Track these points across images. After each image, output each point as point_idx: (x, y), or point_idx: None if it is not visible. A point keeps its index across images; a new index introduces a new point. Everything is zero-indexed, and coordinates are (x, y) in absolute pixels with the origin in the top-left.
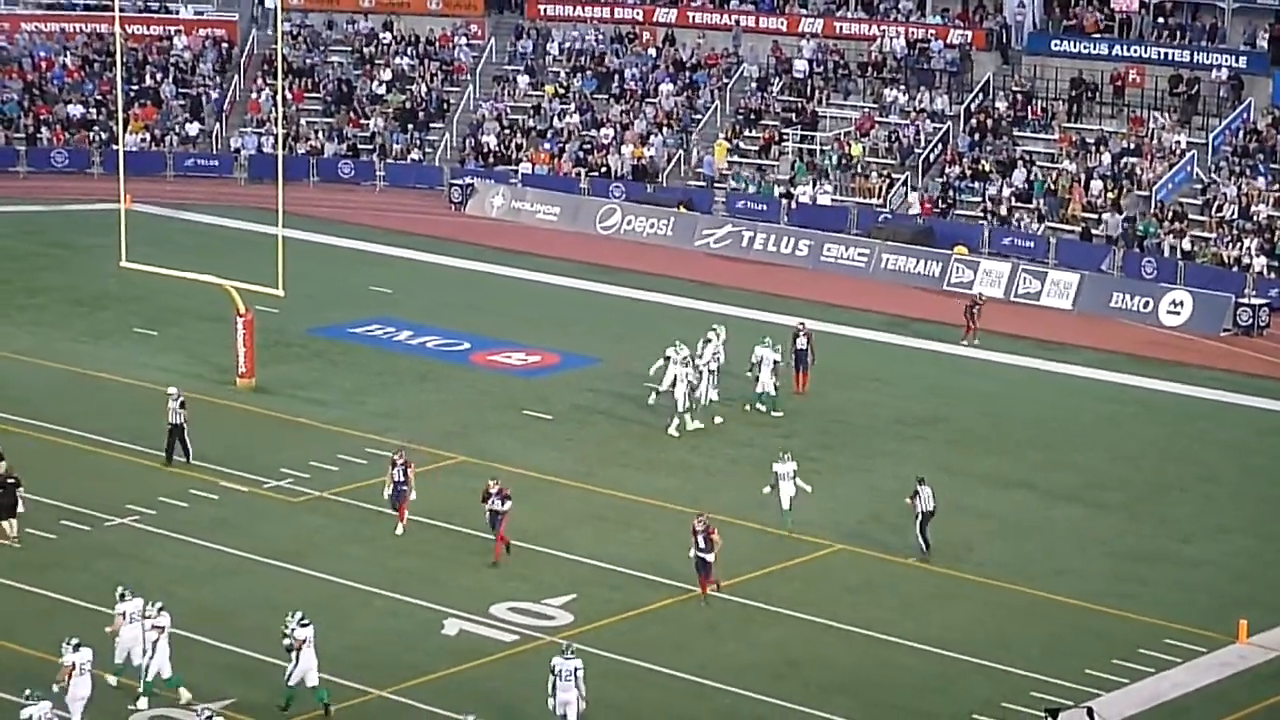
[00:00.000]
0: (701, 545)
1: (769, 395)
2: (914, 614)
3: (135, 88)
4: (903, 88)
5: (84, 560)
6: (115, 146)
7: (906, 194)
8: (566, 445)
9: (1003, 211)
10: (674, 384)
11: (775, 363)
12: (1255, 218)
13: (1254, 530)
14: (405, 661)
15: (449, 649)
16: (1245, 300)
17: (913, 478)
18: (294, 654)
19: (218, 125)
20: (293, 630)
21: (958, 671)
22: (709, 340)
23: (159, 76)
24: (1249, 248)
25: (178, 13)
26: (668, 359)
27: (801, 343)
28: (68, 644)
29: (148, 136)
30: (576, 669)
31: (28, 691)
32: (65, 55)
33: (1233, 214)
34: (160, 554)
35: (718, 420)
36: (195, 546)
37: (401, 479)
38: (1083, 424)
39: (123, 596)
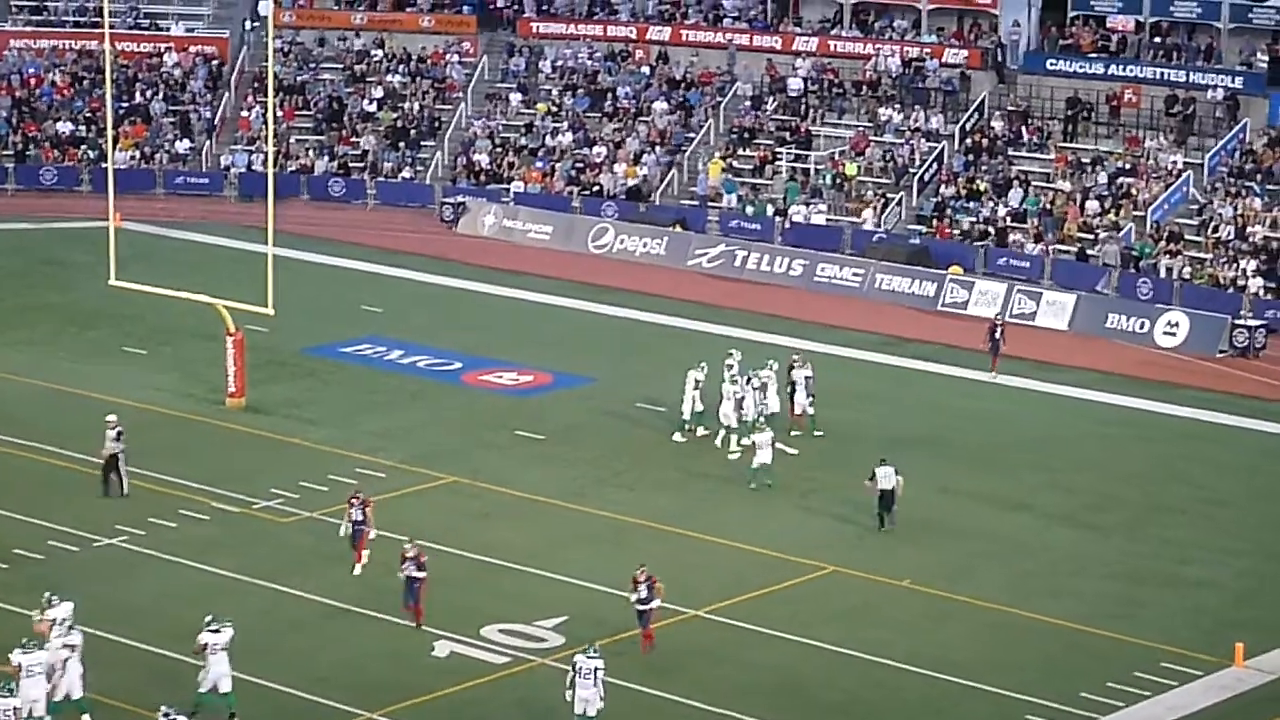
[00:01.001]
0: (643, 595)
1: (810, 417)
2: (910, 636)
3: (125, 105)
4: (898, 107)
5: (72, 581)
6: (105, 164)
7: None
8: (559, 465)
9: (995, 230)
10: (721, 403)
11: (807, 379)
12: (1251, 238)
13: (1252, 553)
14: (396, 682)
15: (439, 670)
16: (1242, 321)
17: (908, 498)
18: (206, 658)
19: (208, 143)
20: (202, 633)
21: (954, 694)
22: (730, 366)
23: (149, 94)
24: (1245, 269)
25: (168, 30)
26: (698, 383)
27: (797, 374)
28: (21, 647)
29: (137, 154)
30: (598, 668)
31: None
32: (55, 72)
33: (1229, 235)
34: (149, 574)
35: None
36: (184, 567)
37: (360, 518)
38: (1080, 445)
39: (50, 603)
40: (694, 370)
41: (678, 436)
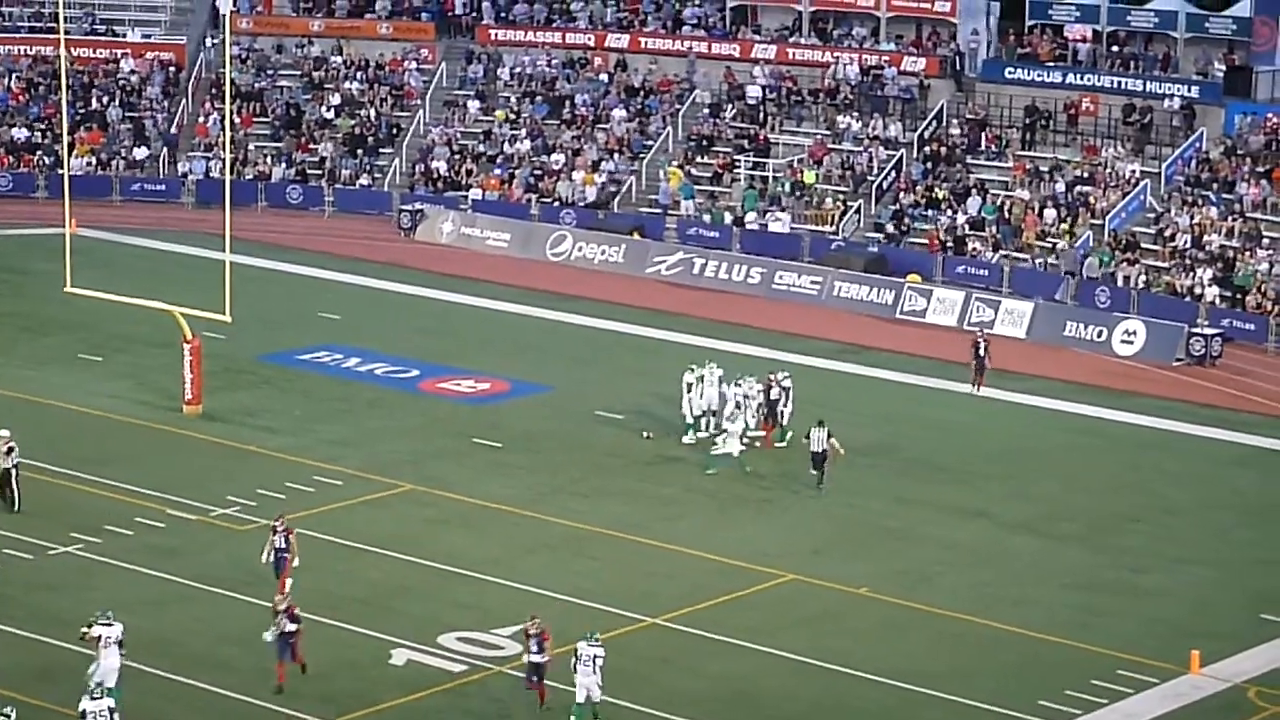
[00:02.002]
0: (534, 649)
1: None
2: (869, 644)
3: (81, 111)
4: (856, 115)
5: (26, 589)
6: (60, 170)
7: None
8: (516, 473)
9: (949, 238)
10: (711, 408)
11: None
12: (1208, 247)
13: (1209, 561)
14: (353, 691)
15: (397, 679)
16: (1198, 330)
17: (866, 507)
18: (98, 651)
19: (165, 149)
20: (91, 626)
21: (914, 703)
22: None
23: (105, 100)
24: (1201, 278)
25: (124, 36)
26: (689, 386)
27: (775, 393)
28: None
29: (94, 160)
30: (596, 656)
31: None
32: (9, 78)
33: (1185, 244)
34: (105, 582)
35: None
36: (141, 575)
37: (283, 545)
38: (1038, 453)
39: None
40: (686, 373)
41: (688, 439)
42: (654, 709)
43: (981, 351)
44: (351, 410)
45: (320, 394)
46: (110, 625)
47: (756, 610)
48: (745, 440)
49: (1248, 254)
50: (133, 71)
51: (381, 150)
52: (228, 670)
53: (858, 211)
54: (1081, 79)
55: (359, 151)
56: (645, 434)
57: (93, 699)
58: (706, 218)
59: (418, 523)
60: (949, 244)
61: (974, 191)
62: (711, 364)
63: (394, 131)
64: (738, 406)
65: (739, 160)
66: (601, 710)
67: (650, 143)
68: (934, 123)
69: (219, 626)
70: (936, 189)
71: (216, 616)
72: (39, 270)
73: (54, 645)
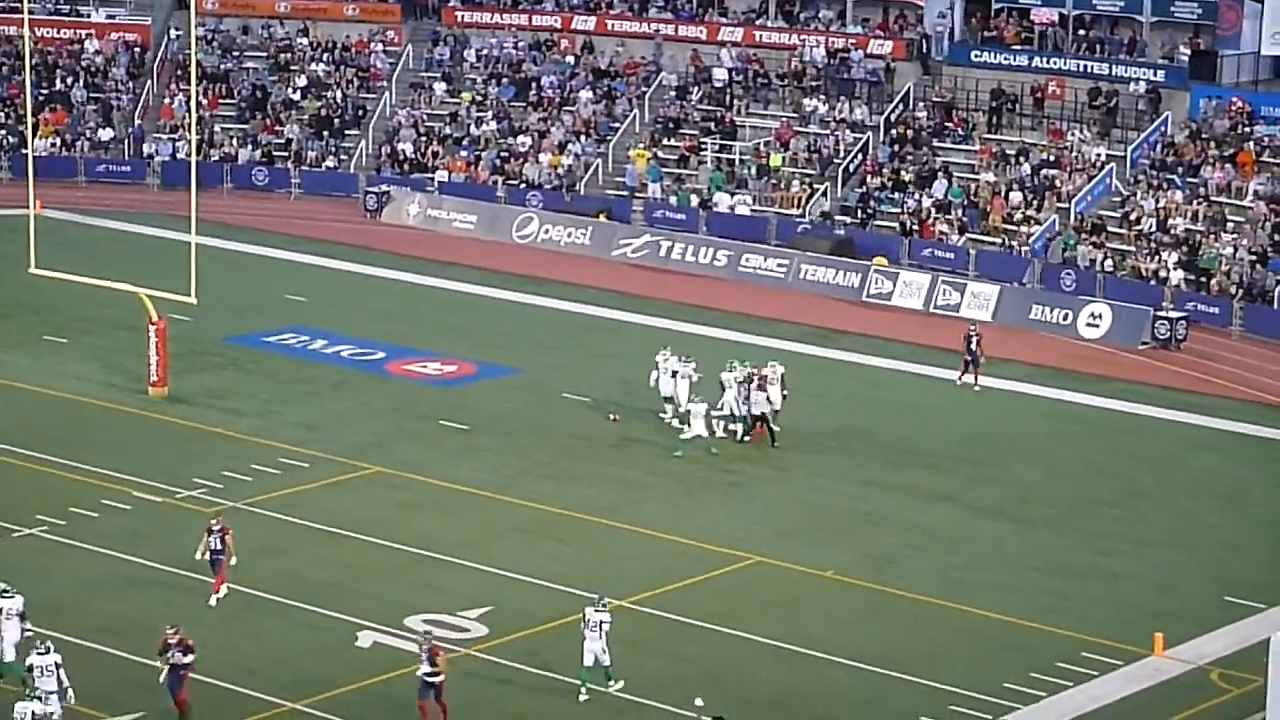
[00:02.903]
0: (427, 669)
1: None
2: (836, 627)
3: (45, 92)
4: (823, 97)
5: None
6: (24, 151)
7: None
8: (484, 456)
9: (915, 221)
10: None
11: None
12: (1173, 231)
13: (1175, 544)
14: (320, 674)
15: (363, 661)
16: (1163, 313)
17: (833, 490)
18: None
19: (130, 131)
20: None
21: (880, 685)
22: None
23: (70, 80)
24: (1166, 261)
25: (89, 16)
26: (671, 373)
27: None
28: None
29: (58, 141)
30: (603, 622)
31: None
32: None
33: (1151, 227)
34: (71, 565)
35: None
36: (107, 557)
37: (218, 546)
38: (1005, 437)
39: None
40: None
41: (681, 430)
42: (622, 692)
43: (974, 345)
44: (318, 392)
45: (286, 376)
46: (11, 598)
47: (724, 593)
48: (712, 421)
49: (1211, 237)
50: (97, 52)
51: (348, 132)
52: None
53: (824, 194)
54: (1047, 62)
55: (325, 133)
56: (611, 416)
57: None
58: (673, 200)
59: (385, 505)
60: (914, 227)
61: (940, 175)
62: (667, 351)
63: (360, 113)
64: (722, 390)
65: (705, 143)
66: (613, 670)
67: (617, 125)
68: (900, 106)
69: (184, 609)
70: (903, 172)
71: (182, 599)
72: (3, 252)
73: None
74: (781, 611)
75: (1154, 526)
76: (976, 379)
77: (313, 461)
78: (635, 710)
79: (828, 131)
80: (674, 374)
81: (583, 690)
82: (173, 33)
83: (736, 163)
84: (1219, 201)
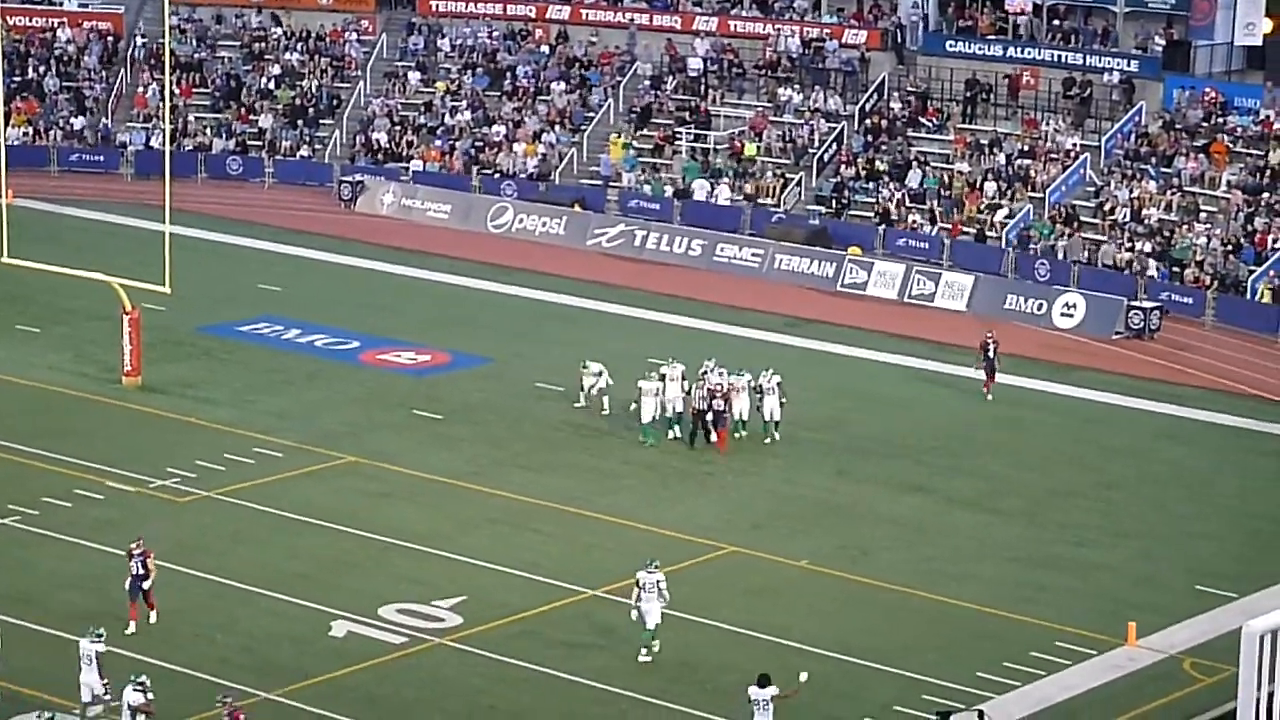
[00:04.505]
0: (139, 570)
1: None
2: (810, 617)
3: (17, 80)
4: (797, 87)
5: None
6: None
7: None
8: (457, 445)
9: (897, 213)
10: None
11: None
12: (1146, 221)
13: (1148, 534)
14: (293, 664)
15: (337, 651)
16: (1137, 303)
17: (808, 481)
18: None
19: (103, 120)
20: None
21: (854, 675)
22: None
23: (41, 69)
24: (1140, 251)
25: (61, 4)
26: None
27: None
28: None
29: (30, 130)
30: (659, 581)
31: None
32: None
33: (1124, 217)
34: (43, 555)
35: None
36: (79, 547)
37: (140, 571)
38: (979, 427)
39: None
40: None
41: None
42: (595, 681)
43: (991, 353)
44: (291, 382)
45: (260, 365)
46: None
47: (697, 583)
48: (660, 407)
49: (1185, 228)
50: (70, 41)
51: (322, 121)
52: (168, 642)
53: (799, 184)
54: (1022, 52)
55: (299, 123)
56: (577, 405)
57: None
58: (647, 189)
59: (358, 495)
60: (894, 218)
61: (914, 165)
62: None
63: (334, 103)
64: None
65: (680, 133)
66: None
67: (591, 115)
68: (875, 96)
69: (158, 599)
70: (877, 162)
71: (156, 589)
72: None
73: None
74: (754, 601)
75: (1126, 517)
76: (988, 387)
77: (286, 451)
78: (609, 700)
79: (802, 121)
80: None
81: (644, 652)
82: (144, 23)
83: (711, 152)
84: (1192, 192)
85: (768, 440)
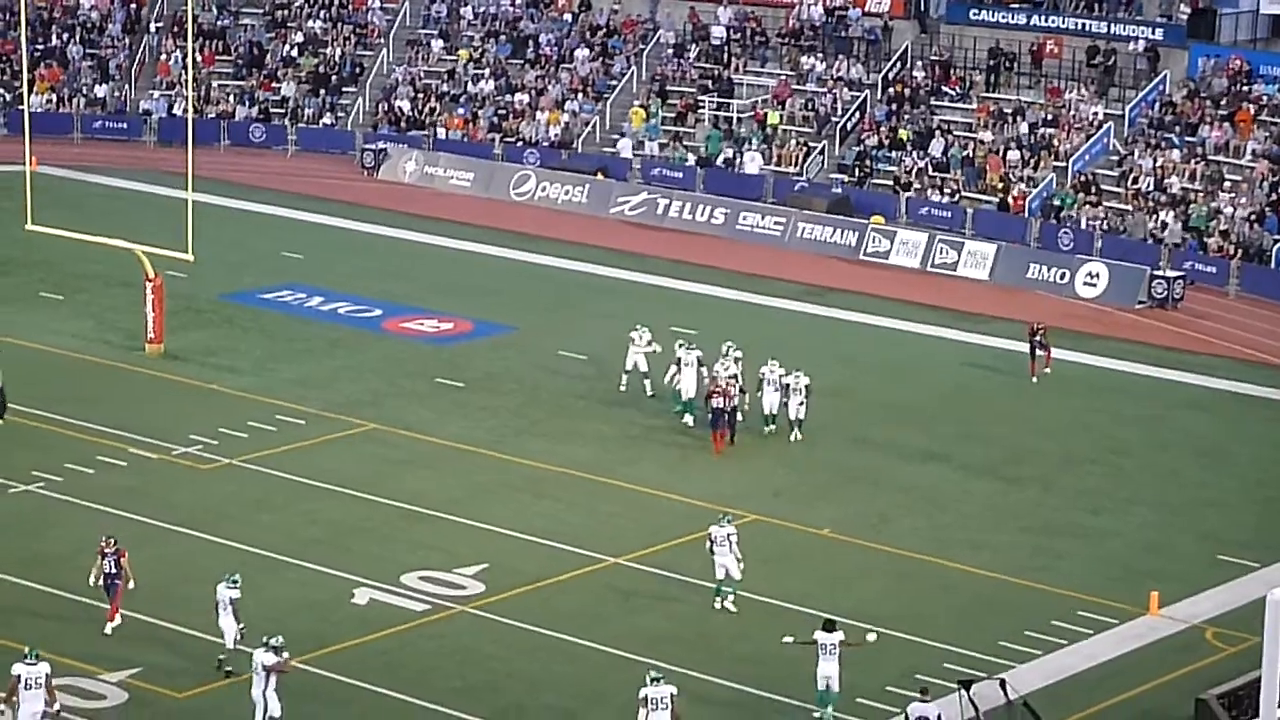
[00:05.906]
0: (111, 569)
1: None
2: (829, 586)
3: (41, 48)
4: (820, 56)
5: None
6: (20, 107)
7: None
8: (479, 414)
9: (919, 181)
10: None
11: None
12: (1170, 190)
13: (1166, 503)
14: (316, 631)
15: (359, 618)
16: (1160, 273)
17: (827, 449)
18: None
19: (126, 87)
20: None
21: (877, 643)
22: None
23: (65, 37)
24: (1164, 220)
25: None
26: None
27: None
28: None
29: (54, 98)
30: (730, 535)
31: None
32: None
33: (1148, 186)
34: (66, 520)
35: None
36: (103, 514)
37: (113, 569)
38: (999, 396)
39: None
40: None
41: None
42: (615, 648)
43: (1039, 338)
44: (314, 350)
45: (282, 333)
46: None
47: None
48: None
49: (1203, 196)
50: (93, 8)
51: (345, 89)
52: (188, 609)
53: (821, 153)
54: (1046, 21)
55: (322, 90)
56: (622, 389)
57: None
58: (670, 156)
59: (380, 463)
60: (917, 186)
61: (937, 133)
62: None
63: (357, 71)
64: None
65: (703, 101)
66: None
67: (614, 83)
68: (898, 64)
69: (179, 565)
70: (900, 130)
71: (177, 555)
72: None
73: (14, 583)
74: (774, 569)
75: (1144, 486)
76: (1035, 372)
77: (308, 418)
78: (630, 667)
79: (825, 90)
80: (677, 361)
81: (718, 600)
82: None
83: (734, 121)
84: (1217, 161)
85: (791, 439)
